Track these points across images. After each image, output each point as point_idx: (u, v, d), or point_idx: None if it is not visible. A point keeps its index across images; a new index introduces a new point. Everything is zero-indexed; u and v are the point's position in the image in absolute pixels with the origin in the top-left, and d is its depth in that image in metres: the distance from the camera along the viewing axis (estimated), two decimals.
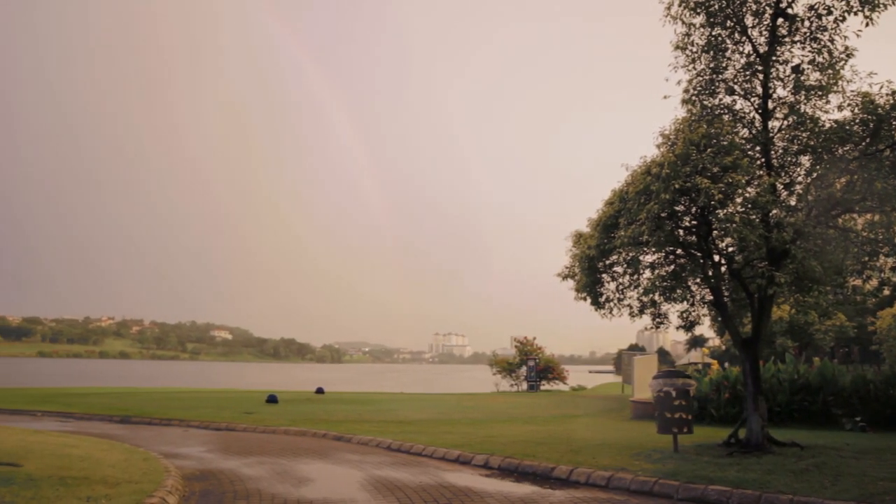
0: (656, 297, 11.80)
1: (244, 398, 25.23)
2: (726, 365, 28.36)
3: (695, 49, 11.10)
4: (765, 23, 10.83)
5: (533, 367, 36.62)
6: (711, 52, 10.96)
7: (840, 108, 10.39)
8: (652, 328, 13.07)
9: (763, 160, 10.91)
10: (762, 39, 10.90)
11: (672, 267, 11.81)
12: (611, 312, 12.72)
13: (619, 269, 12.38)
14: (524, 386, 37.37)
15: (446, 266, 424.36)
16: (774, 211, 10.23)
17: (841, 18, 10.25)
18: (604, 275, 12.58)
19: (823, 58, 10.52)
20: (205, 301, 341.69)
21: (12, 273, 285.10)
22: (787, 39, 10.76)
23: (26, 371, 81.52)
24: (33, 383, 42.08)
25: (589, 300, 12.84)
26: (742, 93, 11.14)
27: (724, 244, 11.46)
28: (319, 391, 29.61)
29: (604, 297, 12.66)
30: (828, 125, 10.27)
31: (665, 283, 11.56)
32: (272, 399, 22.38)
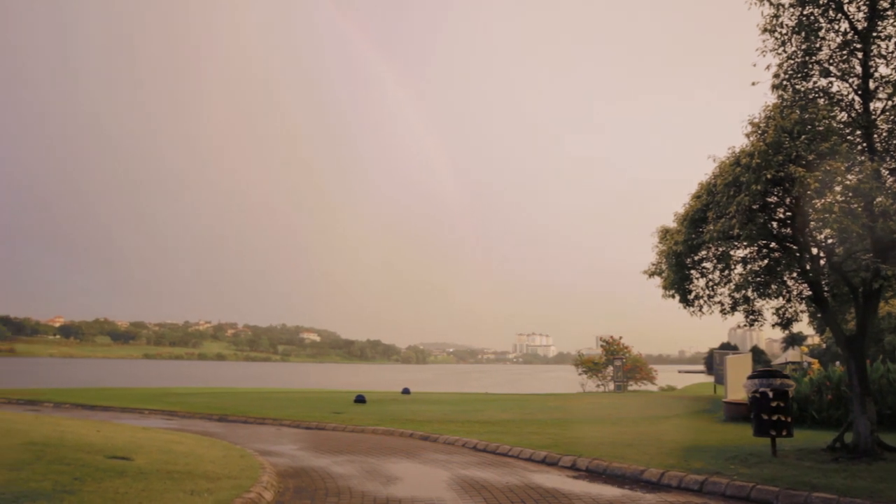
0: (749, 294, 11.30)
1: (333, 398, 25.92)
2: (832, 364, 26.78)
3: (784, 31, 10.51)
4: None
5: (620, 366, 35.82)
6: (803, 33, 10.35)
7: None
8: (745, 326, 12.50)
9: (865, 145, 10.20)
10: (860, 15, 10.20)
11: (766, 261, 11.26)
12: (700, 310, 12.27)
13: (708, 264, 11.94)
14: (611, 386, 36.61)
15: (530, 265, 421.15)
16: (879, 198, 9.53)
17: None
18: (692, 271, 12.15)
19: None
20: (294, 305, 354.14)
21: (122, 282, 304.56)
22: (889, 13, 10.04)
23: (133, 372, 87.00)
24: (140, 383, 44.87)
25: (677, 298, 12.44)
26: (839, 74, 10.46)
27: (822, 236, 10.81)
28: (405, 392, 30.05)
29: (693, 294, 12.24)
30: None
31: (758, 279, 11.05)
32: (360, 399, 22.88)
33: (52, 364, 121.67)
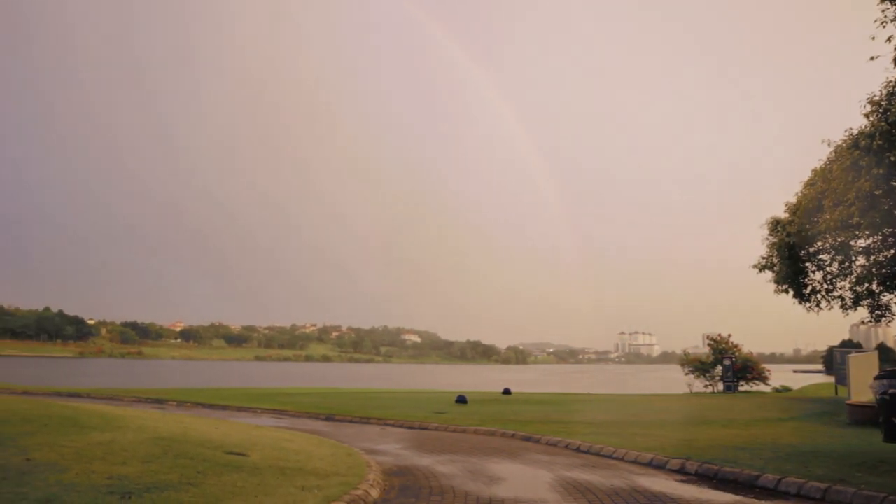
0: (874, 287, 10.52)
1: (435, 398, 26.25)
2: None
3: None
4: None
5: (729, 366, 34.14)
6: None
7: None
8: (870, 322, 11.65)
9: None
10: None
11: (892, 251, 10.42)
12: (818, 305, 11.56)
13: (825, 256, 11.23)
14: (720, 387, 34.96)
15: (631, 263, 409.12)
16: None
17: None
18: (807, 264, 11.46)
19: None
20: (396, 307, 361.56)
21: (235, 288, 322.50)
22: None
23: (246, 373, 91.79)
24: (252, 384, 47.27)
25: (791, 292, 11.79)
26: None
27: None
28: (506, 392, 29.99)
29: (808, 288, 11.55)
30: None
31: (884, 270, 10.25)
32: (461, 399, 23.04)
33: (174, 366, 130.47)
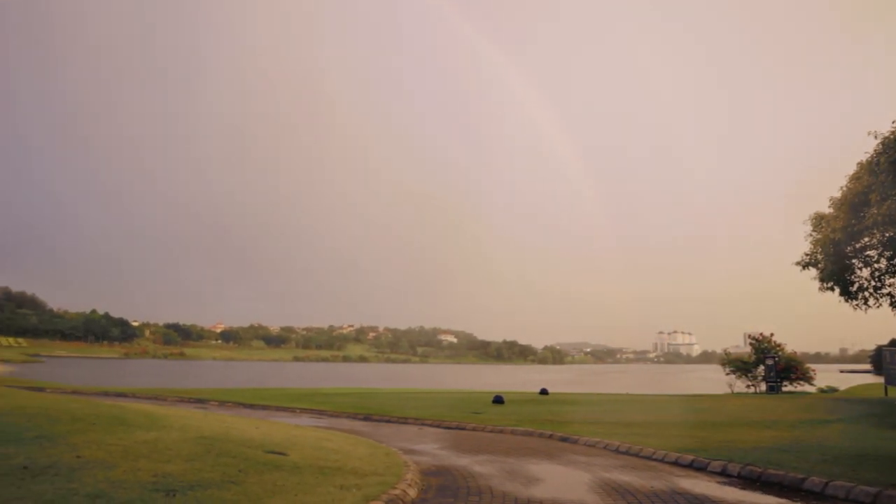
0: None
1: (471, 398, 26.25)
2: None
3: None
4: None
5: (772, 365, 33.34)
6: None
7: None
8: None
9: None
10: None
11: None
12: (865, 303, 11.22)
13: (873, 252, 10.89)
14: (762, 387, 34.17)
15: (669, 261, 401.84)
16: None
17: None
18: (854, 260, 11.14)
19: None
20: (432, 307, 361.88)
21: (273, 290, 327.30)
22: None
23: (285, 373, 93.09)
24: (291, 384, 47.94)
25: (837, 290, 11.44)
26: None
27: None
28: (543, 392, 29.83)
29: (855, 285, 11.22)
30: None
31: None
32: (498, 400, 23.00)
33: (215, 366, 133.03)
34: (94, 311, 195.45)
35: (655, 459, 10.74)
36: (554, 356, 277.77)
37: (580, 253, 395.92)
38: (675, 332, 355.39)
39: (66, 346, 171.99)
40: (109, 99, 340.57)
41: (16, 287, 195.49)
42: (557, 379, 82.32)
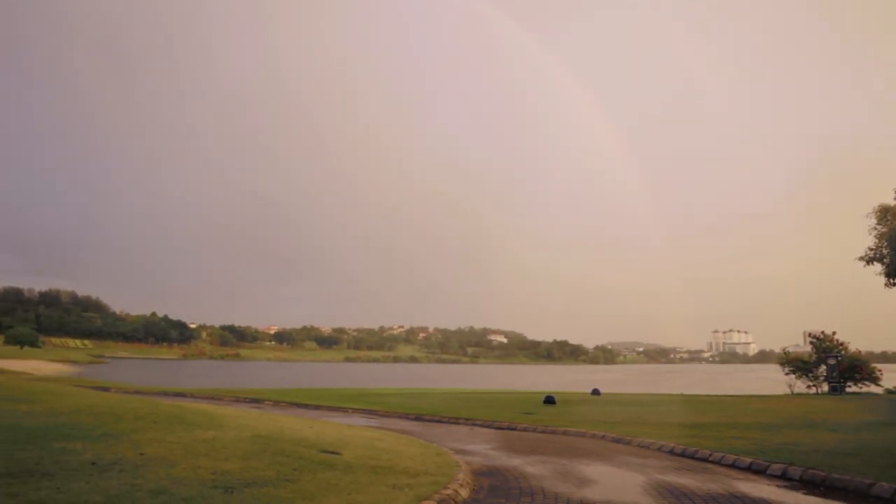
0: None
1: (522, 399, 26.14)
2: None
3: None
4: None
5: (835, 365, 32.12)
6: None
7: None
8: None
9: None
10: None
11: None
12: None
13: None
14: (824, 388, 32.96)
15: (724, 257, 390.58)
16: None
17: None
18: None
19: None
20: (482, 307, 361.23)
21: (324, 292, 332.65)
22: None
23: (337, 374, 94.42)
24: (343, 384, 48.59)
25: None
26: None
27: None
28: (595, 392, 29.50)
29: None
30: None
31: None
32: (549, 400, 22.84)
33: (269, 367, 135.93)
34: (153, 314, 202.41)
35: (712, 461, 10.50)
36: (605, 356, 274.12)
37: (631, 252, 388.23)
38: (730, 330, 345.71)
39: (128, 347, 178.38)
40: (159, 101, 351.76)
41: (81, 291, 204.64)
42: (609, 379, 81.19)
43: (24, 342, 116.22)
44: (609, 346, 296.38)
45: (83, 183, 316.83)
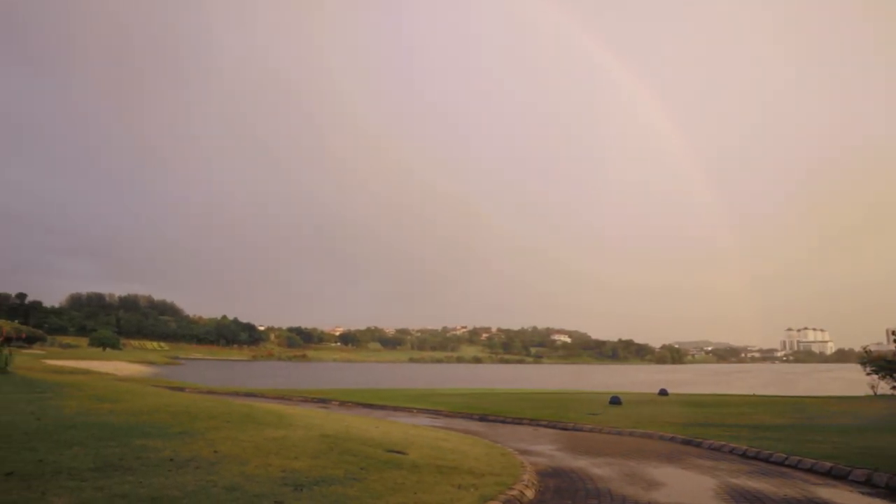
0: None
1: (587, 399, 25.79)
2: None
3: None
4: None
5: None
6: None
7: None
8: None
9: None
10: None
11: None
12: None
13: None
14: None
15: (796, 251, 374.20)
16: None
17: None
18: None
19: None
20: (545, 307, 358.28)
21: (388, 293, 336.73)
22: None
23: (401, 374, 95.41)
24: (407, 384, 49.07)
25: None
26: None
27: None
28: (662, 393, 28.84)
29: None
30: None
31: None
32: (615, 400, 22.46)
33: (335, 367, 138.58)
34: (224, 317, 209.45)
35: (788, 465, 10.10)
36: (673, 355, 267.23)
37: (698, 250, 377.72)
38: (805, 328, 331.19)
39: (201, 349, 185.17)
40: (224, 107, 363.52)
41: (157, 296, 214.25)
42: (677, 379, 79.15)
43: (106, 344, 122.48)
44: (676, 346, 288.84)
45: (151, 192, 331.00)
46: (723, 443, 12.12)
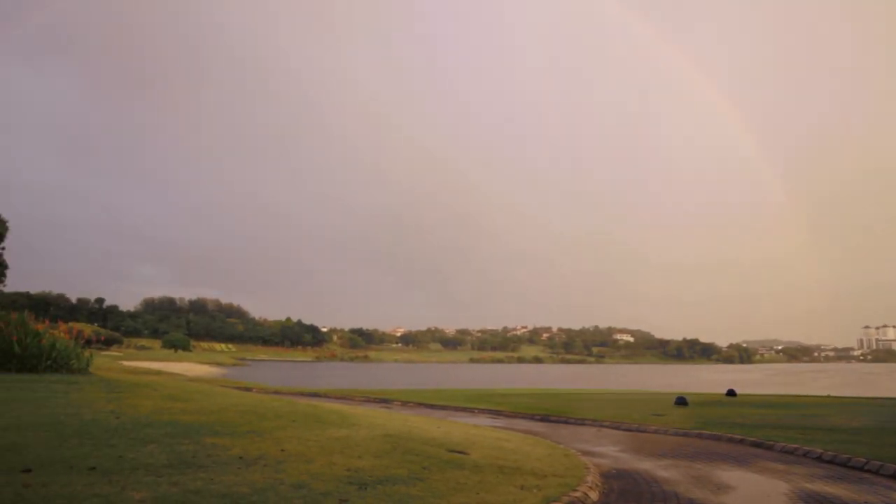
0: None
1: (651, 400, 25.26)
2: None
3: None
4: None
5: None
6: None
7: None
8: None
9: None
10: None
11: None
12: None
13: None
14: None
15: (875, 241, 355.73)
16: None
17: None
18: None
19: None
20: (606, 306, 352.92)
21: (448, 294, 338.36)
22: None
23: (461, 374, 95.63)
24: (468, 385, 49.11)
25: None
26: None
27: None
28: (730, 393, 27.95)
29: None
30: None
31: None
32: (681, 401, 21.91)
33: (396, 368, 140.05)
34: (288, 319, 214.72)
35: (868, 471, 9.63)
36: (740, 355, 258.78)
37: (767, 247, 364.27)
38: (885, 326, 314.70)
39: (267, 350, 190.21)
40: (300, 112, 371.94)
41: (225, 299, 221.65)
42: (745, 379, 76.64)
43: (177, 346, 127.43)
44: (744, 345, 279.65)
45: (215, 199, 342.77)
46: (796, 446, 11.66)
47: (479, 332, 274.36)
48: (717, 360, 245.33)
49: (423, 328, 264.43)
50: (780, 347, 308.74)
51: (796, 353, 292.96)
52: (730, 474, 9.26)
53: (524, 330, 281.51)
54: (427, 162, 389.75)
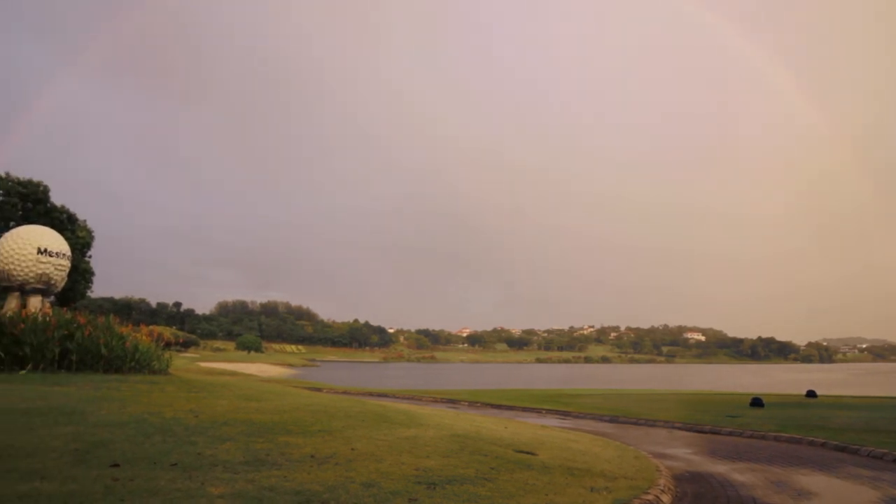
0: None
1: (725, 401, 24.47)
2: None
3: None
4: None
5: None
6: None
7: None
8: None
9: None
10: None
11: None
12: None
13: None
14: None
15: None
16: None
17: None
18: None
19: None
20: (676, 304, 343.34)
21: (514, 295, 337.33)
22: None
23: (528, 375, 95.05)
24: (535, 385, 48.79)
25: None
26: None
27: None
28: (810, 394, 26.79)
29: None
30: None
31: None
32: (757, 402, 21.15)
33: (463, 368, 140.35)
34: (356, 321, 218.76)
35: None
36: (821, 354, 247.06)
37: (847, 232, 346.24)
38: None
39: (335, 351, 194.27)
40: (353, 127, 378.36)
41: (294, 302, 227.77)
42: (826, 379, 73.17)
43: (250, 347, 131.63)
44: (824, 343, 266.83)
45: (283, 206, 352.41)
46: (885, 451, 11.07)
47: (545, 331, 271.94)
48: (795, 360, 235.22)
49: (489, 328, 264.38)
50: (864, 346, 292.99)
51: (883, 352, 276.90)
52: (811, 479, 8.88)
53: (591, 329, 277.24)
54: (491, 163, 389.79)
